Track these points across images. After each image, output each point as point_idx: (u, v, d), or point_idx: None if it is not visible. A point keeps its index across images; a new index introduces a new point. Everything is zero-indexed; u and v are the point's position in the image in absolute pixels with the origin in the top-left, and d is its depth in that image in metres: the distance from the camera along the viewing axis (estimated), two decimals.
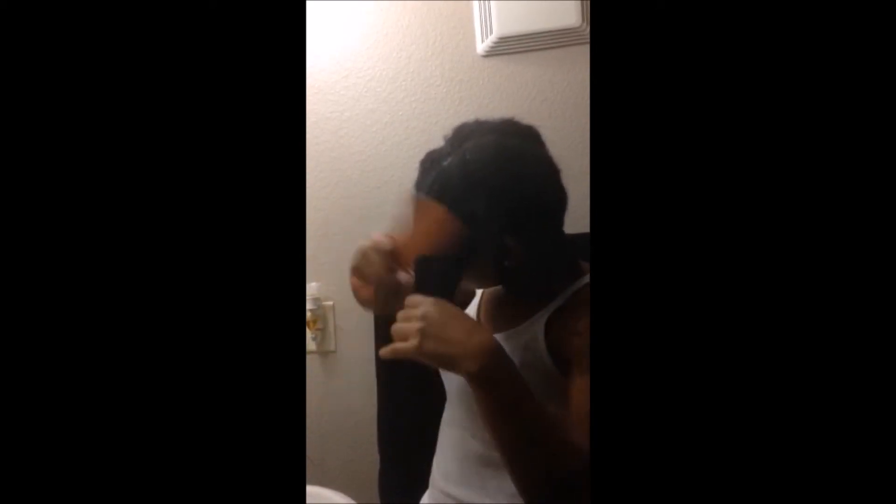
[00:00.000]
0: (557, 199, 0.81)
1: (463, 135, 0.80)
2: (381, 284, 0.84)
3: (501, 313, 0.89)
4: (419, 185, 0.81)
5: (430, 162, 0.80)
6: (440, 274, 0.76)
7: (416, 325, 0.69)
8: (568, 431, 0.71)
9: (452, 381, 0.91)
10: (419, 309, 0.71)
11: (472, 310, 0.94)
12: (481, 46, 1.30)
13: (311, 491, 0.98)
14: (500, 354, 0.70)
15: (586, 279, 0.83)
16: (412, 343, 0.69)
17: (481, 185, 0.74)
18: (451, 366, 0.70)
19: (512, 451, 0.70)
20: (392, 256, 0.79)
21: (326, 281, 1.40)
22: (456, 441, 0.91)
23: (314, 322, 1.40)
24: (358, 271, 0.82)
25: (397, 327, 0.71)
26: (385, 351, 0.71)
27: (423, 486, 0.99)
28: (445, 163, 0.77)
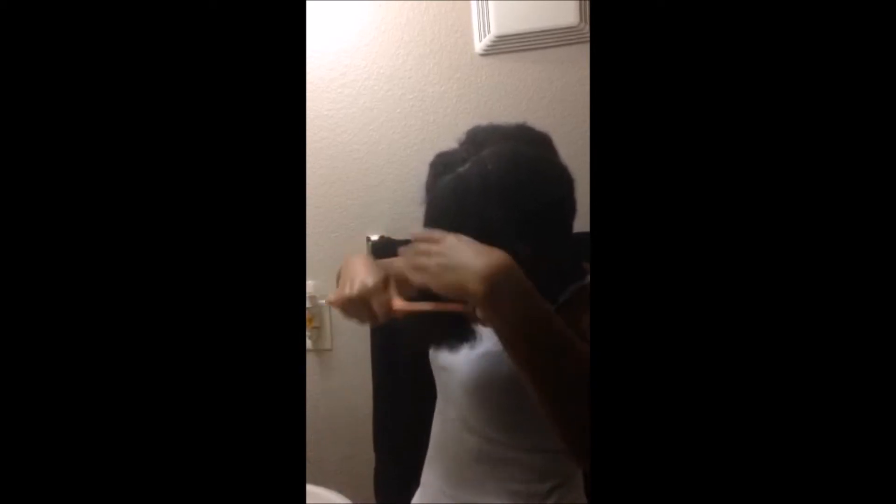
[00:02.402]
0: (570, 206, 0.81)
1: (478, 140, 0.79)
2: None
3: None
4: (429, 187, 0.80)
5: (443, 165, 0.79)
6: None
7: (435, 259, 0.66)
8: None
9: (448, 377, 0.91)
10: (437, 243, 0.68)
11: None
12: (479, 45, 1.30)
13: (307, 490, 0.98)
14: (512, 272, 0.65)
15: (586, 279, 0.84)
16: (430, 275, 0.66)
17: (499, 194, 0.73)
18: (461, 293, 0.65)
19: (541, 379, 0.66)
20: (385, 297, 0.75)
21: (323, 279, 1.40)
22: (449, 438, 0.91)
23: (311, 320, 1.40)
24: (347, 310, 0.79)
25: (418, 262, 0.68)
26: (406, 308, 0.69)
27: (419, 484, 0.99)
28: (462, 168, 0.76)
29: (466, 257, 0.65)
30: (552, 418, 0.66)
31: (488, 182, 0.74)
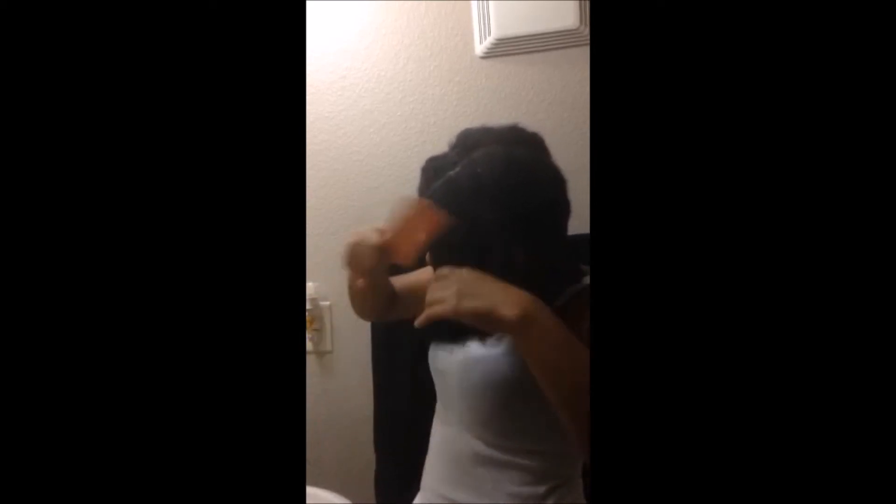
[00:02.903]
0: (563, 207, 0.81)
1: (469, 143, 0.79)
2: (375, 288, 0.83)
3: None
4: (422, 191, 0.81)
5: (434, 170, 0.80)
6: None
7: (452, 287, 0.68)
8: None
9: (446, 380, 0.91)
10: (453, 275, 0.70)
11: None
12: (480, 48, 1.30)
13: (307, 491, 0.98)
14: (540, 303, 0.68)
15: (585, 281, 0.84)
16: (450, 304, 0.67)
17: (491, 197, 0.74)
18: (491, 319, 0.67)
19: (570, 401, 0.67)
20: (381, 249, 0.79)
21: (324, 281, 1.40)
22: (448, 441, 0.91)
23: (311, 322, 1.40)
24: (350, 266, 0.83)
25: (432, 292, 0.70)
26: (421, 318, 0.70)
27: (419, 486, 0.99)
28: (453, 172, 0.77)
29: (489, 285, 0.68)
30: (573, 427, 0.68)
31: (479, 184, 0.74)
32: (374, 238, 0.79)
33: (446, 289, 0.68)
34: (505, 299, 0.66)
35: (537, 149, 0.82)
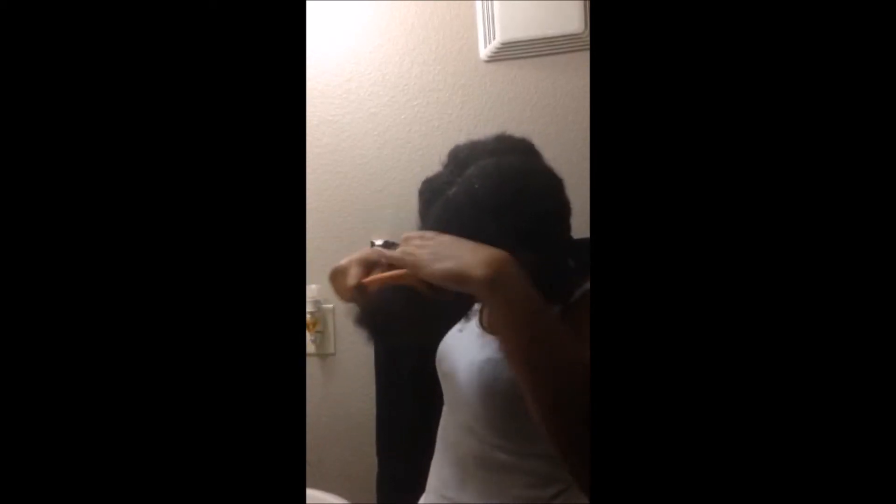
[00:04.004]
0: (562, 208, 0.81)
1: (460, 160, 0.80)
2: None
3: None
4: (423, 214, 0.81)
5: (431, 192, 0.80)
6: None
7: (426, 249, 0.67)
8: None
9: (452, 383, 0.91)
10: (426, 238, 0.69)
11: (474, 315, 0.94)
12: (484, 51, 1.30)
13: (309, 493, 0.98)
14: (514, 264, 0.66)
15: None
16: (422, 266, 0.66)
17: (491, 211, 0.73)
18: (463, 279, 0.65)
19: (535, 373, 0.65)
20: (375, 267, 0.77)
21: (326, 283, 1.40)
22: (454, 444, 0.91)
23: (314, 324, 1.40)
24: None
25: (403, 252, 0.68)
26: (373, 278, 0.69)
27: (421, 489, 0.99)
28: (451, 192, 0.77)
29: (464, 248, 0.66)
30: (545, 422, 0.65)
31: (478, 201, 0.74)
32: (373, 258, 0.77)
33: (420, 249, 0.67)
34: (475, 259, 0.65)
35: (528, 154, 0.83)
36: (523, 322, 0.65)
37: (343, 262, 0.78)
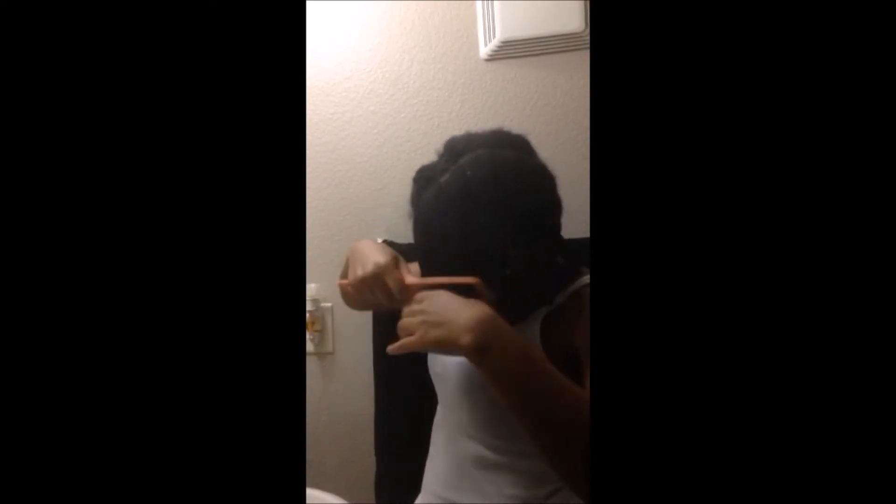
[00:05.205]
0: (554, 205, 0.81)
1: (456, 150, 0.80)
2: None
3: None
4: (414, 201, 0.82)
5: (425, 179, 0.80)
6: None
7: (418, 318, 0.70)
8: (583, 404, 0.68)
9: (445, 383, 0.91)
10: (422, 303, 0.71)
11: None
12: (484, 50, 1.30)
13: (308, 493, 0.98)
14: (496, 324, 0.68)
15: (584, 280, 0.84)
16: (417, 336, 0.69)
17: (483, 200, 0.74)
18: (451, 347, 0.68)
19: (531, 422, 0.68)
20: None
21: (325, 282, 1.40)
22: (448, 444, 0.91)
23: (313, 323, 1.40)
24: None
25: (403, 322, 0.72)
26: (392, 347, 0.72)
27: (419, 488, 0.99)
28: (443, 179, 0.77)
29: (450, 312, 0.68)
30: (548, 460, 0.68)
31: (469, 189, 0.74)
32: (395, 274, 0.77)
33: (415, 317, 0.70)
34: (459, 324, 0.67)
35: (523, 150, 0.83)
36: (516, 384, 0.67)
37: (365, 271, 0.76)
